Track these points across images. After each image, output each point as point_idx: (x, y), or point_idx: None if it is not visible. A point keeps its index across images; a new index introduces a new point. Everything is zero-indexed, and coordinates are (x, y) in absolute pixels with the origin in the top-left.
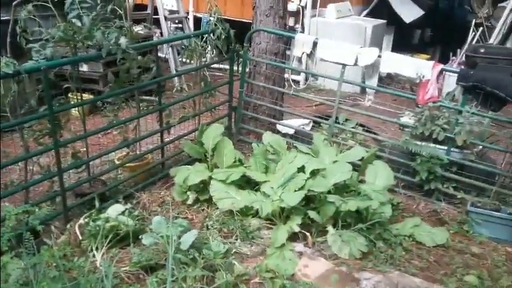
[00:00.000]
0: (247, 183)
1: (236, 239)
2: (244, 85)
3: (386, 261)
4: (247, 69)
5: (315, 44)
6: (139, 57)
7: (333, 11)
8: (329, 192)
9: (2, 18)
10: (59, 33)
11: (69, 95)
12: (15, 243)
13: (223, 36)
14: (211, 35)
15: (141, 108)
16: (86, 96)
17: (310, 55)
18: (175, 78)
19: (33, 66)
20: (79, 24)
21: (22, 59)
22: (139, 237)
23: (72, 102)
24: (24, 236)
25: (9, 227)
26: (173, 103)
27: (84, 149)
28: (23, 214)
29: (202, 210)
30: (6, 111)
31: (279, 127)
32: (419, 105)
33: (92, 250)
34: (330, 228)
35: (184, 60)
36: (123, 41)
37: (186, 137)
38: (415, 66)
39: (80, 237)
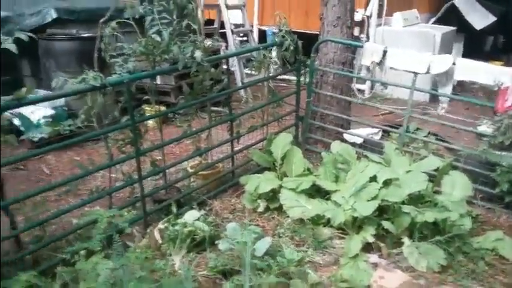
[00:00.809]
0: (317, 192)
1: (308, 248)
2: (311, 95)
3: (467, 275)
4: (313, 79)
5: (384, 53)
6: (211, 70)
7: (400, 19)
8: (403, 202)
9: (85, 35)
10: (140, 48)
11: (143, 106)
12: (105, 244)
13: (291, 48)
14: (280, 46)
15: (212, 118)
16: (157, 108)
17: (380, 64)
18: (242, 89)
19: (118, 80)
20: (158, 39)
21: (103, 72)
22: (215, 242)
23: (148, 114)
24: (113, 237)
25: (101, 228)
26: (243, 113)
27: (160, 157)
28: (112, 217)
29: (273, 218)
30: (93, 121)
31: (346, 136)
32: (498, 114)
33: (170, 254)
34: (405, 239)
35: (249, 72)
36: (198, 54)
37: (254, 146)
38: (493, 73)
39: (160, 241)
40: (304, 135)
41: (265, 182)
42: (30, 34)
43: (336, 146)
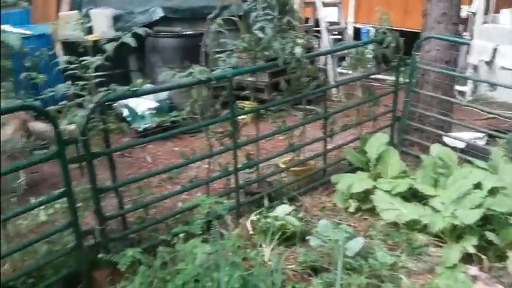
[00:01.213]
0: (413, 196)
1: (401, 253)
2: (410, 94)
3: None
4: (413, 79)
5: (494, 51)
6: (309, 66)
7: (508, 16)
8: (510, 214)
9: (189, 33)
10: (243, 44)
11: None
12: (204, 229)
13: (392, 45)
14: (379, 44)
15: (304, 115)
16: (252, 104)
17: (489, 63)
18: (334, 88)
19: (222, 74)
20: (261, 35)
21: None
22: (305, 238)
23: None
24: (212, 223)
25: (203, 214)
26: (338, 111)
27: (253, 152)
28: (213, 204)
29: (365, 219)
30: (196, 113)
31: (446, 140)
32: None
33: (261, 245)
34: (510, 253)
35: (341, 70)
36: (298, 50)
37: (347, 146)
38: None
39: (251, 232)
40: (399, 137)
41: (358, 182)
42: (146, 29)
43: (435, 149)
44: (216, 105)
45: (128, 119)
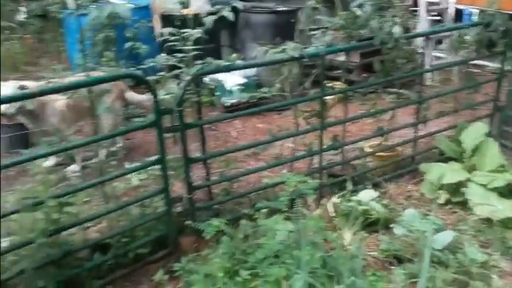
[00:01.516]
0: (510, 193)
1: (494, 252)
2: None
3: None
4: None
5: None
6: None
7: None
8: None
9: (282, 9)
10: (340, 21)
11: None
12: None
13: (501, 29)
14: (486, 27)
15: (396, 99)
16: (342, 84)
17: None
18: (429, 73)
19: (315, 52)
20: (359, 12)
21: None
22: (389, 226)
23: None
24: (296, 201)
25: (288, 191)
26: (433, 96)
27: (338, 134)
28: (299, 182)
29: (455, 212)
30: (286, 91)
31: None
32: None
33: (341, 229)
34: None
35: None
36: (397, 30)
37: (440, 134)
38: None
39: (333, 214)
40: (499, 128)
41: (450, 173)
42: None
43: None
44: (306, 84)
45: (217, 93)
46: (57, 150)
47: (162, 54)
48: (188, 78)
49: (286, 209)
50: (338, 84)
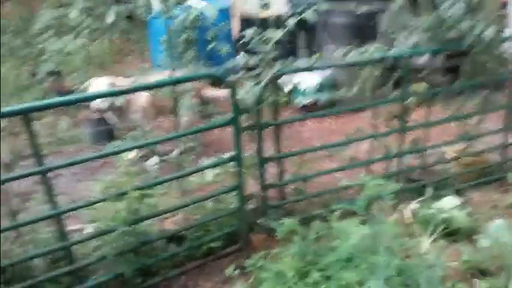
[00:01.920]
0: None
1: None
2: None
3: None
4: None
5: None
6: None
7: None
8: None
9: (361, 11)
10: (426, 22)
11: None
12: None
13: None
14: None
15: (483, 103)
16: (421, 87)
17: None
18: None
19: (399, 53)
20: (448, 14)
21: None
22: (472, 236)
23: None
24: (372, 204)
25: (367, 194)
26: None
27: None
28: (378, 185)
29: None
30: (366, 92)
31: None
32: None
33: (418, 236)
34: None
35: None
36: (490, 32)
37: None
38: None
39: (410, 221)
40: None
41: None
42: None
43: None
44: (387, 85)
45: (291, 93)
46: (141, 144)
47: (242, 55)
48: (267, 78)
49: (362, 212)
50: (417, 87)
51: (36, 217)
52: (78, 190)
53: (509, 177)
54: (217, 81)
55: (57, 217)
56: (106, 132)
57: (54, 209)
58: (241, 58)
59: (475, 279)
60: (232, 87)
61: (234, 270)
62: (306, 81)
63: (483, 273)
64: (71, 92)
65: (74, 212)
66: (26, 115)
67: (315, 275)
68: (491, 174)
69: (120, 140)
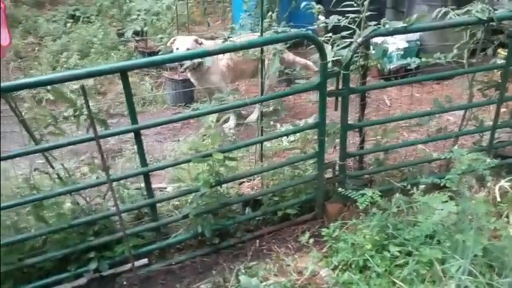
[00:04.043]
0: None
1: None
2: None
3: None
4: None
5: None
6: None
7: None
8: None
9: None
10: None
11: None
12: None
13: None
14: None
15: None
16: None
17: None
18: None
19: (508, 14)
20: None
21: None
22: None
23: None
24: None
25: (460, 169)
26: None
27: None
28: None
29: None
30: (464, 57)
31: None
32: None
33: (508, 216)
34: None
35: None
36: None
37: None
38: None
39: (499, 199)
40: None
41: None
42: None
43: None
44: (487, 51)
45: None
46: (225, 107)
47: (335, 15)
48: (360, 40)
49: (448, 188)
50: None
51: (127, 173)
52: (161, 150)
53: None
54: (312, 43)
55: (146, 175)
56: (186, 94)
57: (144, 167)
58: (333, 18)
59: None
60: (322, 49)
61: (309, 238)
62: (392, 45)
63: None
64: (155, 53)
65: (159, 171)
66: (124, 72)
67: (393, 249)
68: None
69: (199, 102)
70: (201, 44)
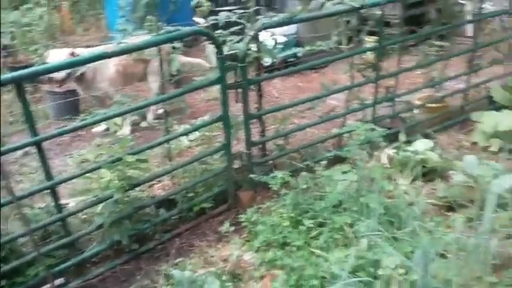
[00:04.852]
0: None
1: None
2: None
3: None
4: None
5: None
6: None
7: None
8: None
9: None
10: None
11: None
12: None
13: None
14: None
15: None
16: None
17: None
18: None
19: (375, 1)
20: None
21: None
22: (445, 174)
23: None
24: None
25: (359, 139)
26: (488, 44)
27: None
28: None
29: (509, 159)
30: (342, 43)
31: None
32: None
33: (397, 179)
34: None
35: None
36: None
37: (491, 83)
38: None
39: (388, 165)
40: None
41: (505, 120)
42: None
43: None
44: (361, 36)
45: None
46: (114, 114)
47: (224, 12)
48: (252, 33)
49: (347, 161)
50: (372, 39)
51: (32, 190)
52: (54, 166)
53: (472, 116)
54: (207, 39)
55: (52, 189)
56: (71, 106)
57: (48, 181)
58: (222, 15)
59: (450, 213)
60: (219, 44)
61: (229, 226)
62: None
63: (457, 206)
64: (28, 66)
65: (63, 184)
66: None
67: (307, 222)
68: (455, 118)
69: (87, 113)
70: (78, 55)
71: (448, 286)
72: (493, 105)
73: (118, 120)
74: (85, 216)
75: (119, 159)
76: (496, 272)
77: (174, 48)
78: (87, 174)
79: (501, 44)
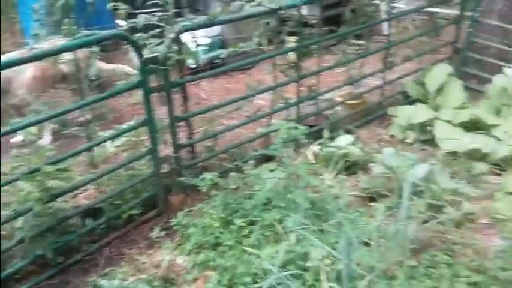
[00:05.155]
0: (474, 126)
1: (461, 180)
2: (474, 25)
3: None
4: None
5: None
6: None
7: None
8: None
9: None
10: None
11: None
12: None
13: None
14: None
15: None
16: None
17: None
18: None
19: (292, 3)
20: None
21: None
22: (367, 167)
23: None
24: (288, 148)
25: (281, 138)
26: (399, 42)
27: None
28: (291, 129)
29: (423, 149)
30: (263, 44)
31: (508, 72)
32: None
33: (322, 173)
34: None
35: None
36: None
37: (405, 78)
38: None
39: (313, 161)
40: (458, 69)
41: (419, 113)
42: None
43: (499, 80)
44: (282, 36)
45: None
46: (45, 117)
47: (143, 15)
48: (171, 35)
49: (274, 159)
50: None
51: None
52: None
53: (389, 111)
54: (127, 42)
55: None
56: None
57: None
58: (141, 18)
59: (373, 203)
60: (138, 47)
61: (160, 231)
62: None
63: (378, 196)
64: None
65: None
66: None
67: (238, 222)
68: (374, 113)
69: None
70: None
71: (372, 272)
72: (408, 99)
73: (33, 129)
74: (4, 232)
75: (37, 170)
76: (415, 256)
77: (92, 52)
78: (4, 188)
79: (412, 42)
